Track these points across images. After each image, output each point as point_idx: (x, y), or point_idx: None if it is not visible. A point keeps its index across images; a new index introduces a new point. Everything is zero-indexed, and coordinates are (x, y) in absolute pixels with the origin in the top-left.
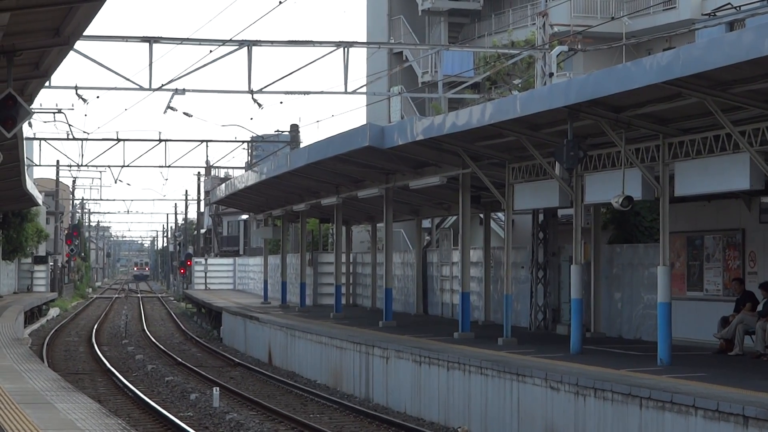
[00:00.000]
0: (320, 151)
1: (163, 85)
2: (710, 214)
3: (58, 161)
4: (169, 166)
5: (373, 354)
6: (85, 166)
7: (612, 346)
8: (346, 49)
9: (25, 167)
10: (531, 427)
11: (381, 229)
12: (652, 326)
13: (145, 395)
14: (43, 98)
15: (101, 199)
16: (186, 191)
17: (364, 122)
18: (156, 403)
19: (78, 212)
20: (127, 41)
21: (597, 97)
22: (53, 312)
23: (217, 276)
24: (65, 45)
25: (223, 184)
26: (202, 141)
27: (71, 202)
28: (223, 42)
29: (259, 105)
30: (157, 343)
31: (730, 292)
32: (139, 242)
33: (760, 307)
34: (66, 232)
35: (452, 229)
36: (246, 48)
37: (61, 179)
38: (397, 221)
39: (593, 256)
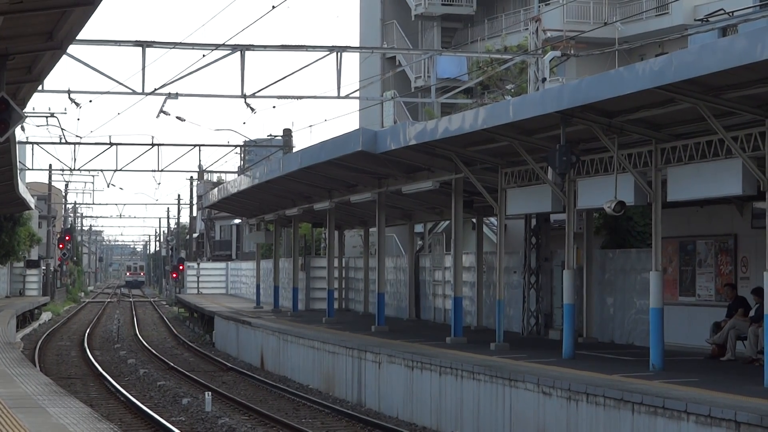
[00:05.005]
0: (313, 156)
1: (156, 89)
2: (702, 219)
3: (50, 165)
4: (161, 171)
5: (366, 359)
6: (78, 170)
7: (604, 351)
8: (339, 53)
9: (18, 171)
10: None
11: (374, 233)
12: (645, 331)
13: (137, 400)
14: (36, 102)
15: (94, 204)
16: (179, 195)
17: (357, 127)
18: (148, 408)
19: (70, 216)
20: (120, 45)
21: (589, 102)
22: (45, 316)
23: (209, 280)
24: (58, 49)
25: (216, 189)
26: (194, 145)
27: (64, 206)
28: (216, 46)
29: (252, 109)
30: (150, 348)
31: (722, 298)
32: (132, 246)
33: (752, 313)
34: (58, 236)
35: (445, 234)
36: (239, 52)
37: (53, 183)
38: (389, 226)
39: (585, 261)
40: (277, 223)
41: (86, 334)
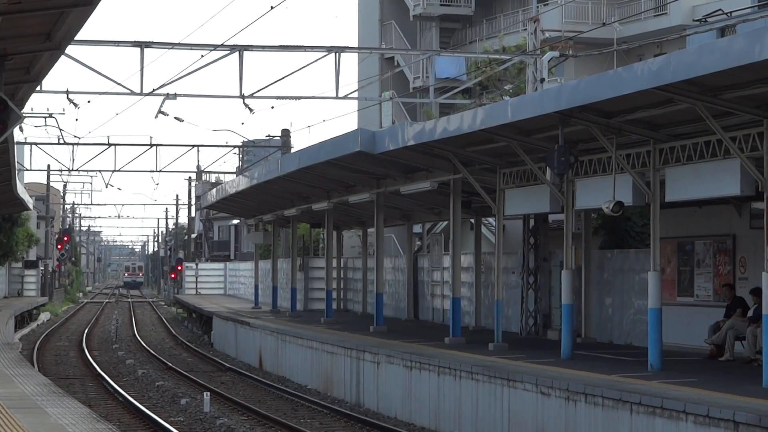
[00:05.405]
0: (311, 156)
1: (154, 90)
2: (701, 219)
3: (48, 166)
4: (160, 171)
5: (364, 359)
6: (76, 170)
7: (603, 351)
8: (337, 54)
9: (16, 171)
10: None
11: (372, 234)
12: (643, 332)
13: (135, 400)
14: (34, 103)
15: (92, 204)
16: (177, 196)
17: (356, 127)
18: (146, 408)
19: (69, 217)
20: (118, 46)
21: (588, 102)
22: (44, 316)
23: (208, 281)
24: (56, 49)
25: (214, 189)
26: (193, 146)
27: (62, 206)
28: (215, 47)
29: (251, 110)
30: (148, 348)
31: (721, 298)
32: (130, 247)
33: (750, 313)
34: (57, 236)
35: (443, 234)
36: (237, 52)
37: (51, 184)
38: (388, 226)
39: (584, 262)
40: (275, 223)
41: (84, 335)
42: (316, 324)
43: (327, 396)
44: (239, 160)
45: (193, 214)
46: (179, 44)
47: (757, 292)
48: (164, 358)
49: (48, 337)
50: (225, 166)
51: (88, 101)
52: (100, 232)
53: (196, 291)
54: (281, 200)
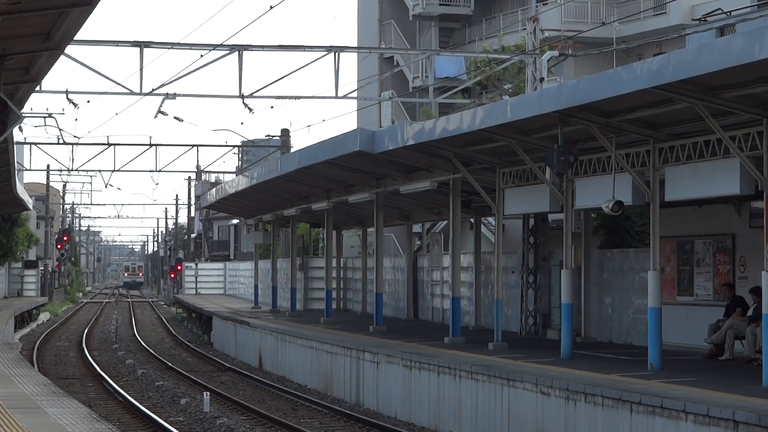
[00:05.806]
0: (311, 156)
1: (153, 90)
2: (700, 219)
3: (48, 165)
4: (159, 171)
5: (364, 359)
6: (76, 170)
7: (602, 350)
8: (336, 53)
9: (16, 171)
10: None
11: (372, 233)
12: (643, 331)
13: (135, 400)
14: (34, 102)
15: (92, 204)
16: (177, 196)
17: (355, 127)
18: (146, 408)
19: (68, 217)
20: (118, 46)
21: (587, 102)
22: (43, 317)
23: (207, 280)
24: (56, 49)
25: (214, 189)
26: (192, 146)
27: (62, 206)
28: (214, 46)
29: (250, 109)
30: (148, 348)
31: (721, 297)
32: (130, 247)
33: (750, 312)
34: (56, 236)
35: (443, 234)
36: (237, 52)
37: (51, 184)
38: (387, 226)
39: (584, 261)
40: (275, 223)
41: (84, 335)
42: (315, 324)
43: (327, 396)
44: (239, 160)
45: (192, 214)
46: (179, 44)
47: (756, 292)
48: (164, 358)
49: (48, 337)
50: (225, 166)
51: (88, 101)
52: (99, 232)
53: (196, 291)
54: (281, 200)
